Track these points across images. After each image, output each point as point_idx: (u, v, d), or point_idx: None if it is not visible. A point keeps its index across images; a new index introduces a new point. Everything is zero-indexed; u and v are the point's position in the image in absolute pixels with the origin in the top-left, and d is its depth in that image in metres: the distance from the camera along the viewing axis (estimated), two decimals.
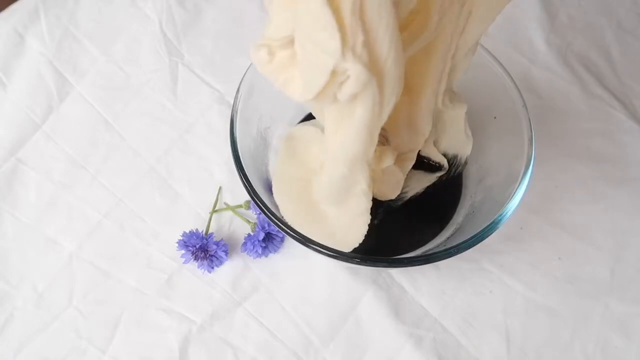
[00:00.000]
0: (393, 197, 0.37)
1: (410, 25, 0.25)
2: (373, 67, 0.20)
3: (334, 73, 0.20)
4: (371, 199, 0.30)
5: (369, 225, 0.37)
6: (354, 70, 0.19)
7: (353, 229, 0.32)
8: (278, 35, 0.21)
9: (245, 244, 0.43)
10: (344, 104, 0.22)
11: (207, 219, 0.45)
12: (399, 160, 0.33)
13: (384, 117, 0.23)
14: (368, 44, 0.19)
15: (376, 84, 0.20)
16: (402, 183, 0.35)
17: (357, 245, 0.32)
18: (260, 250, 0.42)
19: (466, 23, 0.26)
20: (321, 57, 0.19)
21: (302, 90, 0.21)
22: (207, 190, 0.46)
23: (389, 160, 0.29)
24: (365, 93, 0.21)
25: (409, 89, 0.30)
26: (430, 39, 0.25)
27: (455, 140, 0.37)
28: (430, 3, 0.24)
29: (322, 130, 0.32)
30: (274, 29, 0.21)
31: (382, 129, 0.26)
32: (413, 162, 0.35)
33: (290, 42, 0.21)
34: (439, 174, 0.39)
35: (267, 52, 0.21)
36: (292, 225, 0.33)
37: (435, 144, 0.37)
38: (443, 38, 0.26)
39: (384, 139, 0.32)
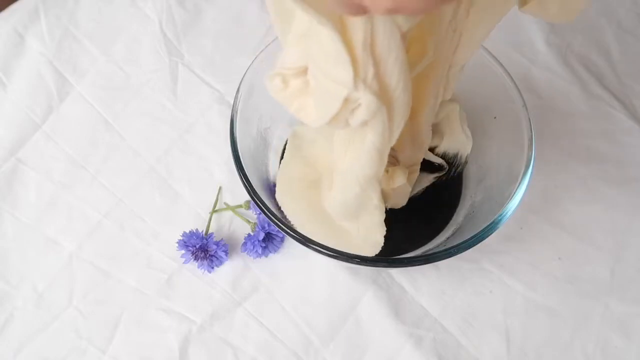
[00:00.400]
0: (402, 205, 0.37)
1: (409, 52, 0.26)
2: (383, 95, 0.21)
3: (346, 101, 0.21)
4: (384, 211, 0.30)
5: None
6: (365, 100, 0.20)
7: (369, 241, 0.33)
8: (292, 65, 0.22)
9: (245, 244, 0.43)
10: (354, 128, 0.23)
11: (207, 219, 0.45)
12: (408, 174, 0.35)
13: (393, 141, 0.24)
14: (378, 75, 0.20)
15: (386, 111, 0.22)
16: (409, 193, 0.36)
17: (374, 254, 0.33)
18: (260, 250, 0.42)
19: (458, 43, 0.27)
20: (334, 87, 0.20)
21: (316, 117, 0.22)
22: (207, 190, 0.46)
23: (400, 180, 0.30)
24: (375, 120, 0.22)
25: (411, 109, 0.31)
26: (428, 62, 0.26)
27: (453, 140, 0.37)
28: (426, 32, 0.24)
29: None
30: (288, 59, 0.22)
31: (392, 149, 0.27)
32: (418, 174, 0.36)
33: (304, 71, 0.22)
34: (438, 174, 0.39)
35: (281, 80, 0.22)
36: (295, 225, 0.33)
37: (433, 147, 0.37)
38: (439, 60, 0.27)
39: (395, 159, 0.33)
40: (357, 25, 0.19)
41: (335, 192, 0.31)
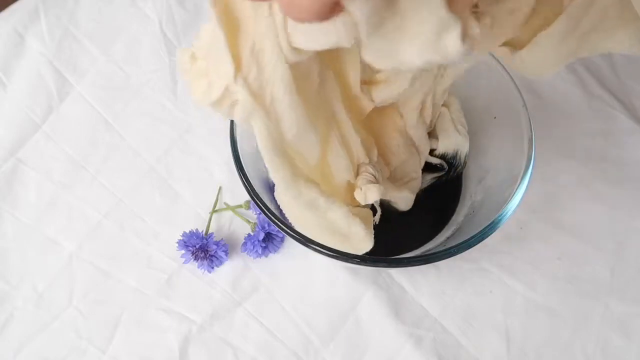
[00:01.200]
0: (407, 208, 0.38)
1: (379, 83, 0.28)
2: (261, 101, 0.22)
3: (226, 91, 0.22)
4: (359, 221, 0.30)
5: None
6: (242, 96, 0.22)
7: (361, 245, 0.32)
8: (201, 45, 0.23)
9: (245, 244, 0.43)
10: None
11: (207, 219, 0.45)
12: (405, 182, 0.35)
13: (288, 145, 0.25)
14: (261, 81, 0.22)
15: (264, 116, 0.23)
16: (413, 199, 0.37)
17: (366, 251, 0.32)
18: (260, 250, 0.42)
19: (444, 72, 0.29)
20: (217, 75, 0.22)
21: (200, 97, 0.24)
22: (207, 190, 0.46)
23: (373, 196, 0.30)
24: (255, 121, 0.23)
25: (395, 123, 0.31)
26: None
27: (449, 141, 0.37)
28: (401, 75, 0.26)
29: None
30: (201, 39, 0.23)
31: (380, 157, 0.30)
32: (420, 181, 0.36)
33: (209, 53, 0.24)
34: (438, 175, 0.39)
35: (189, 56, 0.24)
36: (295, 226, 0.33)
37: (432, 149, 0.38)
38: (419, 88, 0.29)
39: (373, 177, 0.33)
40: (248, 31, 0.21)
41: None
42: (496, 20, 0.24)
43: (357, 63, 0.27)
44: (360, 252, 0.31)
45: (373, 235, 0.31)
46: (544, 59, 0.25)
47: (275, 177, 0.26)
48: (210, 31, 0.22)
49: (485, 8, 0.24)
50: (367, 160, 0.31)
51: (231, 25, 0.21)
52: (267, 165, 0.25)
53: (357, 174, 0.31)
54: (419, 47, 0.18)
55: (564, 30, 0.23)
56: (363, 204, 0.31)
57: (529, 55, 0.25)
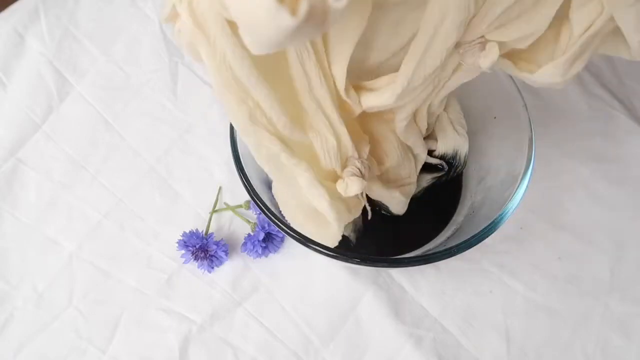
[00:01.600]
0: (400, 213, 0.38)
1: (368, 90, 0.29)
2: (203, 31, 0.22)
3: (173, 9, 0.22)
4: (325, 193, 0.29)
5: (368, 225, 0.37)
6: (185, 17, 0.21)
7: (330, 232, 0.32)
8: None
9: (245, 244, 0.43)
10: None
11: (207, 219, 0.45)
12: (399, 186, 0.35)
13: (243, 87, 0.24)
14: (205, 16, 0.21)
15: (207, 45, 0.22)
16: (407, 203, 0.37)
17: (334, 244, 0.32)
18: (260, 250, 0.42)
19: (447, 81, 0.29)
20: None
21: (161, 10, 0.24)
22: (207, 190, 0.46)
23: (354, 189, 0.30)
24: (200, 48, 0.22)
25: (390, 124, 0.32)
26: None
27: (448, 141, 0.37)
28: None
29: None
30: None
31: (370, 155, 0.31)
32: (414, 187, 0.36)
33: None
34: (438, 175, 0.39)
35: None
36: (285, 216, 0.33)
37: (431, 150, 0.38)
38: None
39: (377, 164, 0.33)
40: None
41: None
42: (502, 45, 0.25)
43: (344, 63, 0.26)
44: (330, 243, 0.32)
45: (342, 225, 0.31)
46: (551, 82, 0.25)
47: (228, 114, 0.25)
48: None
49: (491, 37, 0.25)
50: (356, 155, 0.31)
51: None
52: (217, 98, 0.24)
53: (344, 167, 0.31)
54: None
55: (572, 59, 0.24)
56: (344, 195, 0.31)
57: (537, 78, 0.26)
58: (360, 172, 0.31)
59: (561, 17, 0.24)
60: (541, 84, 0.26)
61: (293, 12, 0.15)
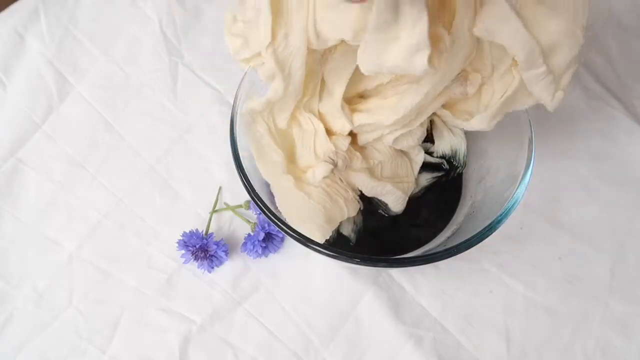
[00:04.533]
0: (399, 212, 0.38)
1: (362, 111, 0.33)
2: (282, 68, 0.28)
3: (258, 55, 0.29)
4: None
5: (368, 225, 0.37)
6: (268, 61, 0.28)
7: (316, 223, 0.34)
8: (244, 14, 0.29)
9: (245, 244, 0.43)
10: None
11: (207, 219, 0.45)
12: (396, 183, 0.36)
13: (286, 99, 0.31)
14: (286, 54, 0.28)
15: (282, 79, 0.29)
16: (405, 200, 0.37)
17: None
18: (260, 250, 0.42)
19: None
20: (256, 40, 0.28)
21: (233, 51, 0.30)
22: (207, 190, 0.46)
23: (321, 173, 0.33)
24: (274, 81, 0.29)
25: None
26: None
27: (446, 142, 0.37)
28: None
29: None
30: (244, 9, 0.29)
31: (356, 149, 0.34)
32: (413, 185, 0.37)
33: (249, 21, 0.29)
34: (438, 175, 0.39)
35: (232, 18, 0.30)
36: (284, 214, 0.34)
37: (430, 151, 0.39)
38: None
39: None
40: (286, 16, 0.27)
41: None
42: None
43: (345, 79, 0.31)
44: (318, 238, 0.33)
45: (328, 217, 0.33)
46: (480, 128, 0.32)
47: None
48: (254, 4, 0.27)
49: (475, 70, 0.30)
50: (332, 147, 0.33)
51: (275, 8, 0.27)
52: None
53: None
54: (401, 55, 0.25)
55: (494, 114, 0.31)
56: (311, 181, 0.33)
57: (469, 126, 0.33)
58: (333, 161, 0.33)
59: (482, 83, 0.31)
60: (473, 129, 0.33)
61: None
